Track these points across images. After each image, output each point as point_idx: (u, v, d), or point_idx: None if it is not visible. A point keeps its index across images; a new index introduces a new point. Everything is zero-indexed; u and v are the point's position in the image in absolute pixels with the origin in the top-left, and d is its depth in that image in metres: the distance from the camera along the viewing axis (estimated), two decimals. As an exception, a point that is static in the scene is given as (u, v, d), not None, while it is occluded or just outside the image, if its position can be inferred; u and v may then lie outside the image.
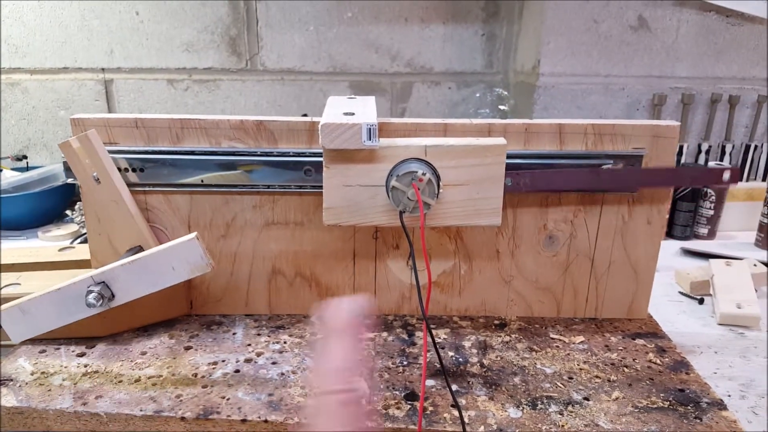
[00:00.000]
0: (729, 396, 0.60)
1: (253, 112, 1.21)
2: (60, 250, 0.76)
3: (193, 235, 0.53)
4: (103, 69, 1.16)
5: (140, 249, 0.63)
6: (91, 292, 0.53)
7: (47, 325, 0.56)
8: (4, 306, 0.56)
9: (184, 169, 0.63)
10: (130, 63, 1.16)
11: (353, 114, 0.54)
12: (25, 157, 1.15)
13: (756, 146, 1.16)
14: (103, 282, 0.54)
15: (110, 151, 0.62)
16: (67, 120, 1.19)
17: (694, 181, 0.63)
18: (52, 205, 1.06)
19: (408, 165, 0.54)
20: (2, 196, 1.01)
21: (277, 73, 1.19)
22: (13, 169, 1.12)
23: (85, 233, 1.00)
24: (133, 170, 0.63)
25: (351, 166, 0.55)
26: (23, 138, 1.20)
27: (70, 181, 0.63)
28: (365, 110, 0.56)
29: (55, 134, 1.20)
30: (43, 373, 0.58)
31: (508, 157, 0.58)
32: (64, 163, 0.62)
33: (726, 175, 0.62)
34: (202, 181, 0.63)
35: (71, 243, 0.96)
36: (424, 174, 0.52)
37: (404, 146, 0.54)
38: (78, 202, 1.05)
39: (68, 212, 1.07)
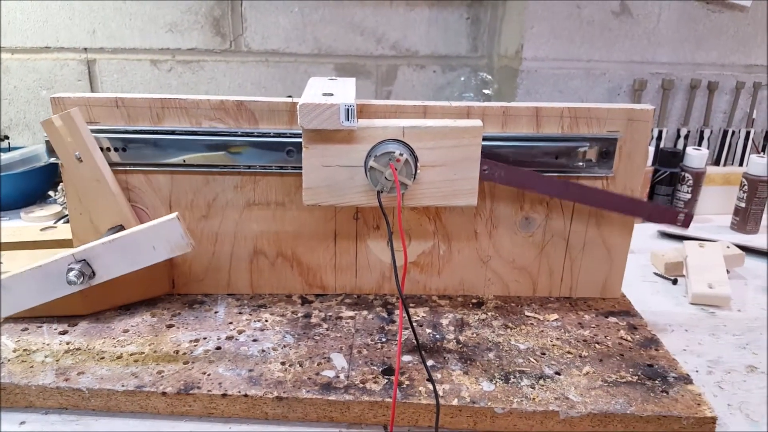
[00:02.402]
0: (697, 371, 0.62)
1: (237, 93, 1.20)
2: (42, 229, 0.76)
3: (174, 215, 0.54)
4: (85, 49, 1.15)
5: (121, 228, 0.63)
6: (71, 269, 0.54)
7: (28, 302, 0.56)
8: None
9: (165, 149, 0.63)
10: (113, 43, 1.15)
11: (332, 95, 0.55)
12: (6, 137, 1.14)
13: (734, 132, 1.17)
14: (84, 260, 0.54)
15: (92, 131, 0.63)
16: (50, 100, 1.18)
17: (651, 217, 0.68)
18: (35, 185, 1.06)
19: (386, 146, 0.55)
20: (-16, 176, 1.01)
21: (261, 55, 1.19)
22: (-6, 150, 1.12)
23: (67, 214, 1.00)
24: (115, 150, 0.63)
25: (330, 146, 0.56)
26: (5, 118, 1.19)
27: (52, 160, 0.63)
28: (344, 91, 0.57)
29: (37, 114, 1.19)
30: (25, 350, 0.59)
31: (487, 139, 0.59)
32: (47, 141, 0.62)
33: (680, 217, 0.66)
34: (183, 161, 0.64)
35: (54, 223, 0.96)
36: (401, 154, 0.53)
37: (382, 127, 0.55)
38: (61, 183, 1.05)
39: (51, 193, 1.06)
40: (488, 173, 0.60)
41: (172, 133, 0.63)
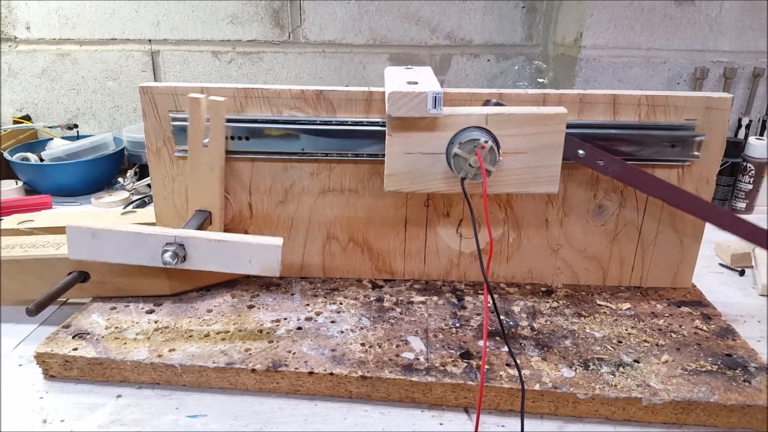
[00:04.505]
0: (774, 363, 0.61)
1: (295, 84, 1.22)
2: (122, 213, 0.79)
3: (279, 241, 0.57)
4: (149, 40, 1.19)
5: (210, 214, 0.65)
6: (167, 251, 0.56)
7: (109, 256, 0.58)
8: (76, 221, 0.58)
9: (247, 136, 0.65)
10: (176, 35, 1.18)
11: (417, 83, 0.56)
12: (75, 126, 1.19)
13: (798, 121, 1.14)
14: (182, 244, 0.57)
15: (178, 118, 0.65)
16: (116, 90, 1.23)
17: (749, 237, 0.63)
18: (104, 172, 1.10)
19: (470, 133, 0.56)
20: (56, 163, 1.05)
21: (318, 46, 1.21)
22: (63, 138, 1.16)
23: (135, 200, 1.04)
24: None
25: (413, 134, 0.57)
26: (72, 107, 1.24)
27: (179, 148, 0.65)
28: (427, 79, 0.58)
29: (103, 104, 1.24)
30: (116, 327, 0.62)
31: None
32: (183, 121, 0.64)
33: None
34: (264, 148, 0.66)
35: (123, 209, 0.99)
36: (486, 142, 0.54)
37: (466, 114, 0.56)
38: (128, 170, 1.09)
39: (119, 179, 1.10)
40: (603, 166, 0.61)
41: (255, 121, 0.65)
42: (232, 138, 0.66)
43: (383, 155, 0.59)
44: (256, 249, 0.57)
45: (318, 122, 0.65)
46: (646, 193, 0.65)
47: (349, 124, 0.65)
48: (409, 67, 0.66)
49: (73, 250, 0.58)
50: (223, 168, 0.66)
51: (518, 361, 0.56)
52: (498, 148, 0.56)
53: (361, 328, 0.62)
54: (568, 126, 0.63)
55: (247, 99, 0.64)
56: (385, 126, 0.59)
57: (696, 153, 0.65)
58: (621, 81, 1.12)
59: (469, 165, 0.55)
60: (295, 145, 0.66)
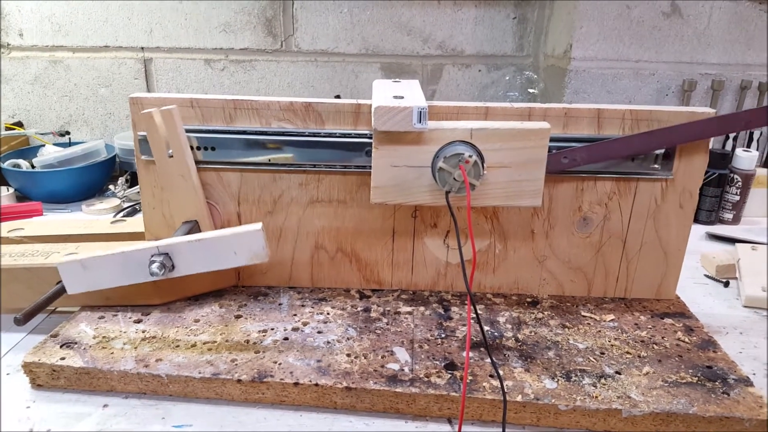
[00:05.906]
0: (754, 374, 0.62)
1: (287, 92, 1.23)
2: (112, 222, 0.79)
3: (258, 226, 0.56)
4: (142, 48, 1.19)
5: (196, 223, 0.66)
6: (154, 261, 0.57)
7: (104, 283, 0.59)
8: (66, 258, 0.59)
9: (236, 147, 0.66)
10: (169, 42, 1.19)
11: (403, 97, 0.57)
12: (68, 132, 1.19)
13: (785, 133, 1.16)
14: (167, 253, 0.57)
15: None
16: (108, 97, 1.23)
17: (749, 125, 0.61)
18: (95, 179, 1.10)
19: (454, 147, 0.56)
20: (48, 170, 1.05)
21: (310, 55, 1.22)
22: (55, 144, 1.16)
23: (126, 207, 1.05)
24: (197, 148, 0.66)
25: (399, 147, 0.58)
26: (65, 114, 1.24)
27: (144, 158, 0.66)
28: (414, 94, 0.58)
29: (95, 111, 1.24)
30: (104, 337, 0.62)
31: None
32: (141, 137, 0.65)
33: None
34: (253, 159, 0.67)
35: (114, 216, 1.00)
36: (470, 156, 0.55)
37: (451, 129, 0.57)
38: (120, 178, 1.09)
39: (111, 187, 1.11)
40: (569, 162, 0.61)
41: (244, 132, 0.65)
42: (227, 145, 0.66)
43: (371, 167, 0.59)
44: (237, 239, 0.57)
45: (306, 134, 0.66)
46: (623, 155, 0.65)
47: (337, 136, 0.66)
48: (397, 80, 0.67)
49: (70, 286, 0.59)
50: (197, 174, 0.66)
51: (501, 373, 0.56)
52: (482, 162, 0.57)
53: (348, 339, 0.63)
54: (554, 140, 0.64)
55: (237, 110, 0.65)
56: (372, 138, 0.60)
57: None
58: (610, 92, 1.14)
59: (454, 179, 0.56)
60: (284, 156, 0.66)
